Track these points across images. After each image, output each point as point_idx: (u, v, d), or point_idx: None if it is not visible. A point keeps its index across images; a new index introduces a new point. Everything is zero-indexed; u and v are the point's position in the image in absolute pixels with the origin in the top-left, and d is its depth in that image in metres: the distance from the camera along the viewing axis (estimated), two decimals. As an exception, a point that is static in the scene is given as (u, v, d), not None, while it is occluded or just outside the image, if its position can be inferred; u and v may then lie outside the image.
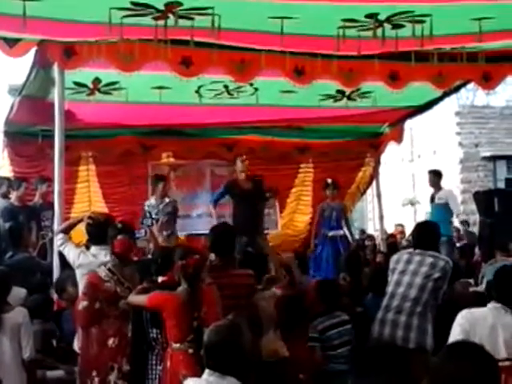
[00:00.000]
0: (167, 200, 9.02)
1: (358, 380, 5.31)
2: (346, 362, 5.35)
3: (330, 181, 9.86)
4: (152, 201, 9.03)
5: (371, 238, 12.91)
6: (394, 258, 5.68)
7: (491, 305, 4.17)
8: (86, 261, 5.68)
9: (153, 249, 7.99)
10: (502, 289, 4.21)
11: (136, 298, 4.88)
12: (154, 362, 4.84)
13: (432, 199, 10.29)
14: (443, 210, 9.86)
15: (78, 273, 5.75)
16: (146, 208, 8.96)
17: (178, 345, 4.52)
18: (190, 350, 4.45)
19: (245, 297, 5.11)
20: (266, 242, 9.07)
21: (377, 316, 5.48)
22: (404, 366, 5.04)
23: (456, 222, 12.37)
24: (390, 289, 5.51)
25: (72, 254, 5.84)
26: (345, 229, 9.78)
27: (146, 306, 4.76)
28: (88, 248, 5.97)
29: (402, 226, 14.71)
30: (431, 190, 10.44)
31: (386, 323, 5.37)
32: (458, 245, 11.34)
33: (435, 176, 10.24)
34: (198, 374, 3.32)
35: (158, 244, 8.39)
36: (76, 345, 5.51)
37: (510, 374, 3.71)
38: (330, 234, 9.60)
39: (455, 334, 3.91)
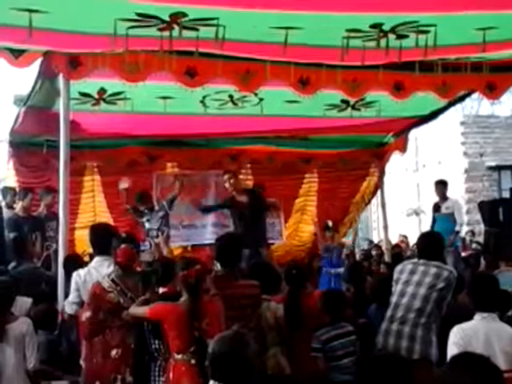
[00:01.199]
0: (157, 208, 9.40)
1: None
2: (351, 373, 5.33)
3: (330, 224, 10.15)
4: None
5: (378, 247, 12.84)
6: (398, 268, 5.65)
7: (478, 316, 4.15)
8: (91, 278, 5.62)
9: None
10: (481, 297, 4.22)
11: (137, 310, 4.88)
12: (156, 373, 4.83)
13: (436, 209, 10.27)
14: (450, 219, 9.85)
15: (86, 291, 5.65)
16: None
17: (180, 356, 4.51)
18: (193, 361, 4.45)
19: (250, 307, 5.09)
20: (268, 253, 9.08)
21: (381, 327, 5.45)
22: (408, 377, 5.00)
23: (462, 232, 12.34)
24: (393, 299, 5.47)
25: (74, 282, 5.73)
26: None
27: (147, 317, 4.75)
28: (91, 258, 5.96)
29: (405, 236, 14.65)
30: (435, 200, 10.42)
31: (391, 334, 5.34)
32: (463, 254, 11.30)
33: (443, 186, 10.25)
34: (201, 385, 3.32)
35: (162, 256, 8.40)
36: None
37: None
38: (333, 271, 9.77)
39: (452, 353, 3.87)
